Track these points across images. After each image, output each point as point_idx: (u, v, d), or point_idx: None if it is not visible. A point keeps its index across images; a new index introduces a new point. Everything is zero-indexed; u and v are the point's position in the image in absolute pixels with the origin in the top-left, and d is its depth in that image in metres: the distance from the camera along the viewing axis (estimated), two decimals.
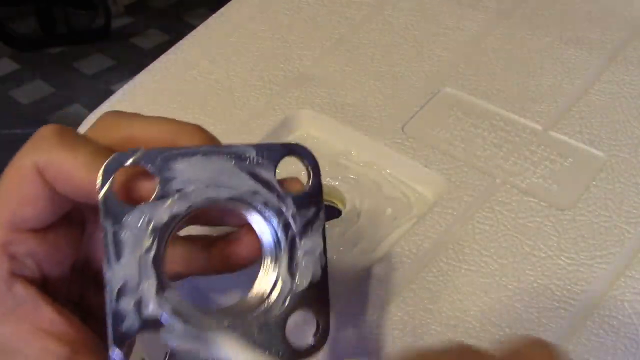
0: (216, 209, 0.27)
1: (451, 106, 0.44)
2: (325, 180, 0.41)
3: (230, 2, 0.56)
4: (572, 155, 0.40)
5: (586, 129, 0.42)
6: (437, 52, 0.48)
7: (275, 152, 0.27)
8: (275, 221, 0.26)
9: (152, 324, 0.24)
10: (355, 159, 0.42)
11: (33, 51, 2.04)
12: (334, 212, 0.41)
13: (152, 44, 2.08)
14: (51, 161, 0.24)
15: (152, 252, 0.24)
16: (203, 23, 0.54)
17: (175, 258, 0.28)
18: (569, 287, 0.34)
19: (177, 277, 0.28)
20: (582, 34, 0.48)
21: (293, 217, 0.27)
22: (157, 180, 0.25)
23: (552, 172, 0.40)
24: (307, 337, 0.27)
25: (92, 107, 0.49)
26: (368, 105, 0.45)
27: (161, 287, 0.25)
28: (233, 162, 0.26)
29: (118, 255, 0.24)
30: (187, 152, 0.25)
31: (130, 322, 0.24)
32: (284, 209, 0.26)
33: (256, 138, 0.43)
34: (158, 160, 0.25)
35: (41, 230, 0.26)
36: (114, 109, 0.49)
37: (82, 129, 0.48)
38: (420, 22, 0.51)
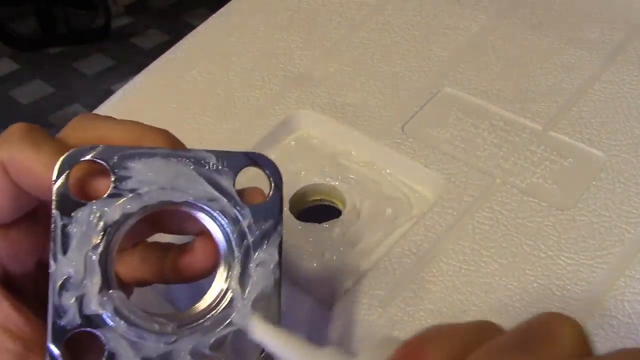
0: (171, 213, 0.27)
1: (451, 106, 0.44)
2: (325, 180, 0.41)
3: (230, 2, 0.56)
4: (572, 155, 0.40)
5: (586, 129, 0.42)
6: (437, 52, 0.48)
7: (237, 160, 0.26)
8: (230, 230, 0.26)
9: (93, 322, 0.24)
10: (355, 159, 0.42)
11: (33, 51, 2.04)
12: (334, 212, 0.41)
13: (152, 44, 2.08)
14: (15, 157, 0.24)
15: (100, 250, 0.25)
16: (203, 23, 0.54)
17: (133, 263, 0.28)
18: (569, 287, 0.34)
19: (139, 283, 0.29)
20: (582, 34, 0.48)
21: (249, 227, 0.26)
22: (111, 177, 0.25)
23: (552, 172, 0.40)
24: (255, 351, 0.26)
25: (92, 107, 0.49)
26: (368, 105, 0.45)
27: (106, 286, 0.25)
28: (192, 166, 0.26)
29: (65, 249, 0.24)
30: (145, 153, 0.25)
31: (70, 317, 0.24)
32: (240, 218, 0.26)
33: (256, 138, 0.43)
34: (115, 158, 0.25)
35: (4, 226, 0.26)
36: (114, 109, 0.49)
37: None
38: (420, 22, 0.51)
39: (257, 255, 0.26)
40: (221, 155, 0.26)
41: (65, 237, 0.24)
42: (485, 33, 0.49)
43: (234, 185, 0.26)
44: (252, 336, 0.26)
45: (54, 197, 0.24)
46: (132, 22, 2.21)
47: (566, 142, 0.41)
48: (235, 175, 0.26)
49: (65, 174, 0.24)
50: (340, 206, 0.41)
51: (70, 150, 0.24)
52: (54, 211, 0.24)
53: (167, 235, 0.29)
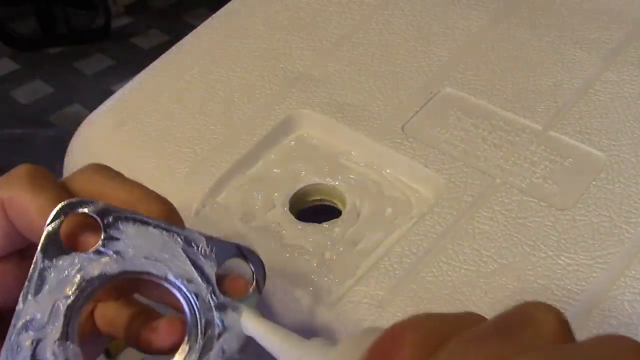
0: (150, 283, 0.27)
1: (451, 106, 0.44)
2: (325, 180, 0.41)
3: (230, 2, 0.56)
4: (572, 155, 0.40)
5: (586, 129, 0.42)
6: (437, 52, 0.48)
7: (226, 249, 0.27)
8: (199, 316, 0.26)
9: None
10: (355, 159, 0.42)
11: (33, 51, 2.04)
12: (334, 212, 0.41)
13: (152, 44, 2.07)
14: (15, 198, 0.25)
15: (69, 301, 0.25)
16: (203, 23, 0.54)
17: (108, 314, 0.29)
18: (569, 287, 0.34)
19: (111, 336, 0.29)
20: (582, 34, 0.48)
21: (219, 319, 0.27)
22: (102, 235, 0.25)
23: (552, 172, 0.40)
24: None
25: (92, 107, 0.49)
26: (368, 105, 0.45)
27: (64, 337, 0.25)
28: (181, 244, 0.26)
29: (37, 291, 0.24)
30: (140, 220, 0.26)
31: (22, 358, 0.24)
32: (212, 307, 0.27)
33: (256, 138, 0.43)
34: (110, 218, 0.25)
35: None
36: (114, 109, 0.49)
37: (82, 129, 0.48)
38: (420, 22, 0.51)
39: (219, 346, 0.26)
40: (212, 241, 0.27)
41: (41, 281, 0.25)
42: (485, 33, 0.49)
43: (215, 273, 0.27)
44: (243, 330, 0.26)
45: (42, 239, 0.25)
46: (132, 22, 2.21)
47: (566, 142, 0.41)
48: (221, 264, 0.27)
49: (59, 220, 0.25)
50: (340, 206, 0.41)
51: (72, 199, 0.25)
52: (38, 253, 0.25)
53: None
